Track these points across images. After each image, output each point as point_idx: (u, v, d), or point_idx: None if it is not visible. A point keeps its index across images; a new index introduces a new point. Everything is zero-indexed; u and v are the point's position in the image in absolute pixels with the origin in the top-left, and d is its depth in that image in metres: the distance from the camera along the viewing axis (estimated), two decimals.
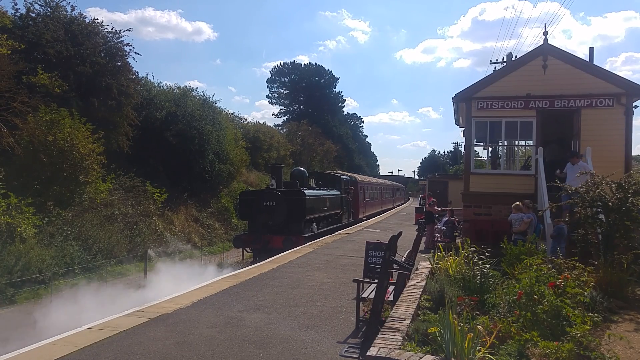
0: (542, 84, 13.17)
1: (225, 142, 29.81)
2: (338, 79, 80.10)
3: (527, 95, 13.27)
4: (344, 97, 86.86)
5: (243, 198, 19.31)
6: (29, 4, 20.43)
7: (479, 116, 13.72)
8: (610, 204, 7.79)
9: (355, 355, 5.40)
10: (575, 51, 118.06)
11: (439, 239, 15.23)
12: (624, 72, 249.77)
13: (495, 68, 27.25)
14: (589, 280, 6.47)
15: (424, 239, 14.74)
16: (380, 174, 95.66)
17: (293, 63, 78.52)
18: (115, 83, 21.03)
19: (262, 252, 16.73)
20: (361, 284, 7.16)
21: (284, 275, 10.53)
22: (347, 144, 75.89)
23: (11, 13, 19.92)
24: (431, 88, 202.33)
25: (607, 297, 6.68)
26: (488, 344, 4.32)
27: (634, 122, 12.95)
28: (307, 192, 18.88)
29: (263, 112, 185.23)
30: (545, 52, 13.30)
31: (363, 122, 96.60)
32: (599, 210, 8.06)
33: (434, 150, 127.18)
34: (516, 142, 15.46)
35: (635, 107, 13.21)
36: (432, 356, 4.02)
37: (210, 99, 30.89)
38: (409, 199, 72.53)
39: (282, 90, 77.42)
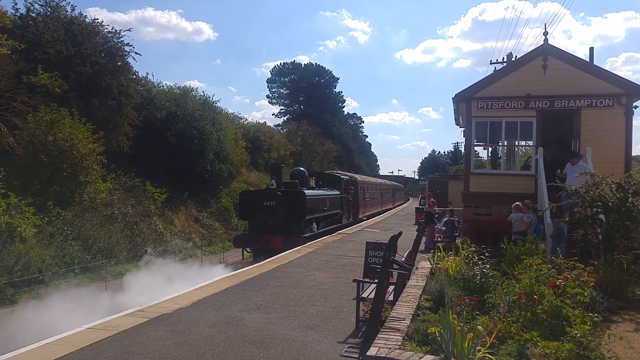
0: (542, 84, 13.17)
1: (226, 142, 29.81)
2: (338, 79, 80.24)
3: (527, 96, 13.27)
4: (344, 97, 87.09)
5: (243, 198, 19.31)
6: (29, 4, 20.47)
7: (479, 116, 13.73)
8: (610, 204, 7.80)
9: (355, 355, 5.40)
10: (576, 51, 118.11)
11: (439, 239, 15.23)
12: (624, 72, 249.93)
13: (495, 68, 27.28)
14: (588, 281, 6.47)
15: (424, 239, 14.74)
16: (380, 174, 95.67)
17: (293, 63, 78.66)
18: (115, 83, 21.03)
19: (262, 252, 16.73)
20: (361, 284, 7.16)
21: (284, 275, 10.53)
22: (347, 144, 75.90)
23: (11, 13, 19.97)
24: (431, 88, 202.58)
25: (607, 297, 6.68)
26: (488, 344, 4.32)
27: (634, 122, 12.98)
28: (307, 192, 18.88)
29: (263, 112, 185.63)
30: (546, 52, 13.30)
31: (363, 122, 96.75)
32: (599, 210, 8.06)
33: (434, 150, 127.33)
34: (516, 142, 15.46)
35: (636, 107, 13.22)
36: (432, 356, 4.02)
37: (211, 99, 30.93)
38: (409, 199, 72.53)
39: (282, 90, 77.44)
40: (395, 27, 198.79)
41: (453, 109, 15.68)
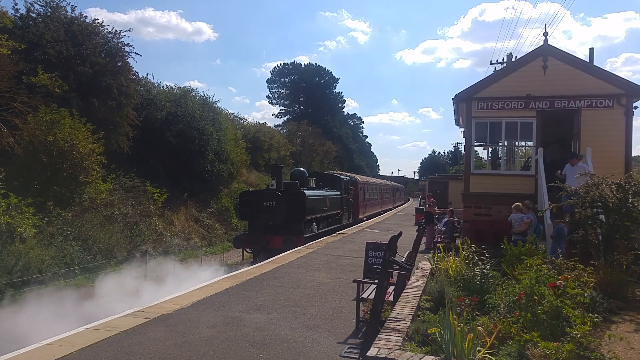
0: (542, 85, 13.18)
1: (226, 142, 29.81)
2: (338, 79, 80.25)
3: (527, 96, 13.27)
4: (344, 98, 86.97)
5: (243, 198, 19.31)
6: (29, 5, 20.45)
7: (479, 117, 13.73)
8: (611, 204, 7.81)
9: (355, 356, 5.40)
10: (576, 52, 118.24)
11: (439, 240, 15.23)
12: (624, 72, 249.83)
13: (495, 68, 27.32)
14: (589, 281, 6.47)
15: (424, 239, 14.74)
16: (380, 174, 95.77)
17: (293, 63, 78.67)
18: (115, 83, 21.03)
19: (262, 252, 16.73)
20: (361, 284, 7.16)
21: (284, 276, 10.53)
22: (347, 144, 75.91)
23: (11, 13, 19.95)
24: (431, 88, 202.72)
25: (607, 297, 6.68)
26: (488, 345, 4.32)
27: (634, 123, 12.98)
28: (307, 192, 18.88)
29: (263, 112, 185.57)
30: (546, 53, 13.30)
31: (363, 122, 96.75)
32: (599, 210, 8.07)
33: (434, 150, 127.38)
34: (516, 143, 15.47)
35: (636, 107, 13.23)
36: (432, 357, 4.02)
37: (211, 99, 30.92)
38: (409, 200, 72.56)
39: (282, 91, 77.47)
40: (395, 28, 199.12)
41: (453, 109, 15.68)
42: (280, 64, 78.52)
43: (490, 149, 15.39)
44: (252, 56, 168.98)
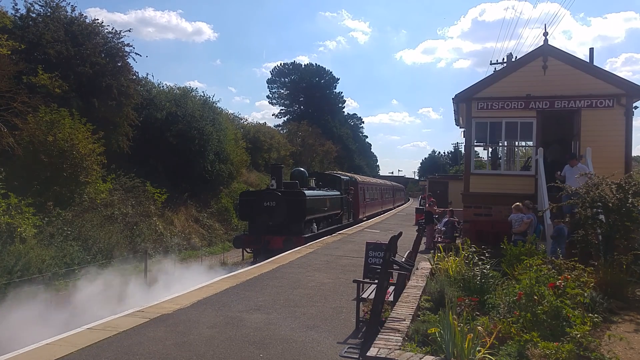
0: (542, 85, 13.18)
1: (226, 142, 29.81)
2: (338, 79, 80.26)
3: (527, 96, 13.27)
4: (344, 98, 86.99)
5: (243, 198, 19.30)
6: (29, 5, 20.44)
7: (479, 117, 13.73)
8: (611, 204, 7.81)
9: (355, 356, 5.40)
10: (576, 52, 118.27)
11: (439, 240, 15.24)
12: (623, 72, 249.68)
13: (495, 69, 27.32)
14: (589, 281, 6.47)
15: (424, 239, 14.74)
16: (381, 174, 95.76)
17: (293, 63, 78.69)
18: (115, 83, 21.02)
19: (262, 252, 16.73)
20: (361, 284, 7.16)
21: (284, 276, 10.53)
22: (347, 144, 75.88)
23: (11, 13, 19.94)
24: (431, 88, 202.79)
25: (607, 297, 6.69)
26: (488, 345, 4.32)
27: (634, 123, 12.98)
28: (307, 192, 18.87)
29: (263, 112, 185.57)
30: (546, 53, 13.30)
31: (363, 122, 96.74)
32: (599, 211, 8.07)
33: (434, 150, 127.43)
34: (516, 143, 15.47)
35: (636, 107, 13.24)
36: (432, 357, 4.02)
37: (211, 99, 30.90)
38: (409, 200, 72.58)
39: (282, 91, 77.48)
40: (395, 28, 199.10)
41: (453, 109, 15.69)
42: (280, 64, 78.66)
43: (490, 149, 15.40)
44: (252, 56, 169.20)
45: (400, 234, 6.02)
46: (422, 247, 13.85)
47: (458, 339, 4.11)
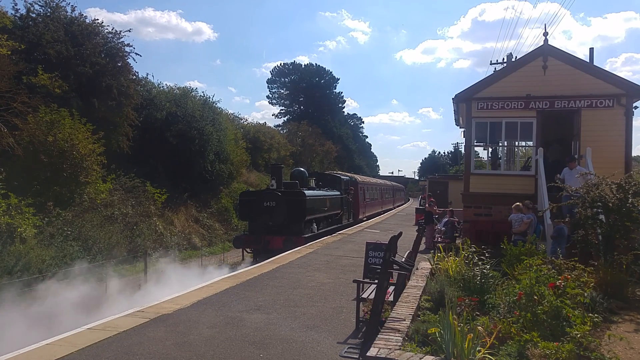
0: (542, 85, 13.17)
1: (226, 142, 29.81)
2: (338, 79, 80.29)
3: (527, 96, 13.27)
4: (344, 98, 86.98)
5: (243, 198, 19.31)
6: (29, 5, 20.45)
7: (479, 117, 13.73)
8: (611, 204, 7.81)
9: (355, 356, 5.40)
10: (576, 52, 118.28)
11: (439, 240, 15.24)
12: (624, 72, 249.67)
13: (495, 69, 27.31)
14: (589, 281, 6.47)
15: (424, 239, 14.74)
16: (380, 174, 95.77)
17: (293, 63, 78.71)
18: (115, 83, 21.03)
19: (262, 252, 16.73)
20: (361, 284, 7.16)
21: (284, 276, 10.53)
22: (347, 144, 75.90)
23: (11, 13, 19.95)
24: (431, 88, 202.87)
25: (607, 297, 6.68)
26: (488, 345, 4.32)
27: (634, 123, 12.97)
28: (307, 192, 18.87)
29: (263, 112, 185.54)
30: (546, 53, 13.30)
31: (363, 122, 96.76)
32: (599, 210, 8.07)
33: (434, 150, 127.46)
34: (516, 143, 15.46)
35: (636, 107, 13.22)
36: (432, 357, 4.02)
37: (211, 99, 30.92)
38: (409, 200, 72.58)
39: (282, 91, 77.49)
40: (395, 28, 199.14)
41: (453, 109, 15.68)
42: (280, 64, 78.67)
43: (490, 149, 15.39)
44: (252, 56, 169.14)
45: (400, 234, 6.02)
46: (422, 247, 13.85)
47: (458, 339, 4.11)
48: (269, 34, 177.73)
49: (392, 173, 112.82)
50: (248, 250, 18.66)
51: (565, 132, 14.16)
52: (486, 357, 4.13)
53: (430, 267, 8.36)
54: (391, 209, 44.23)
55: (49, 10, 21.05)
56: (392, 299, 6.47)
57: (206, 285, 9.38)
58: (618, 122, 12.63)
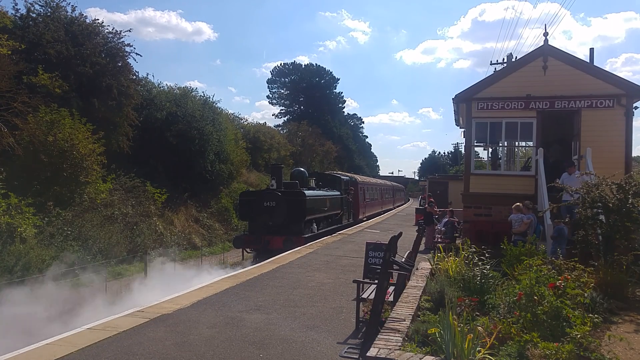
0: (543, 85, 13.17)
1: (226, 142, 29.82)
2: (338, 79, 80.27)
3: (528, 96, 13.27)
4: (344, 98, 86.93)
5: (243, 198, 19.32)
6: (29, 5, 20.48)
7: (479, 117, 13.73)
8: (611, 205, 7.81)
9: (355, 356, 5.40)
10: (576, 52, 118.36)
11: (439, 240, 15.24)
12: (624, 73, 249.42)
13: (495, 69, 27.29)
14: (589, 281, 6.47)
15: (424, 239, 14.74)
16: (380, 174, 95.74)
17: (293, 64, 78.70)
18: (115, 83, 21.04)
19: (262, 252, 16.73)
20: (361, 284, 7.16)
21: (284, 276, 10.53)
22: (347, 144, 75.91)
23: (11, 13, 19.98)
24: (431, 89, 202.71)
25: (607, 298, 6.68)
26: (488, 345, 4.32)
27: (634, 123, 12.97)
28: (307, 192, 18.88)
29: (263, 112, 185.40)
30: (546, 53, 13.30)
31: (363, 122, 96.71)
32: (599, 211, 8.07)
33: (434, 150, 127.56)
34: (516, 143, 15.46)
35: (636, 108, 13.22)
36: (432, 357, 4.02)
37: (211, 99, 30.95)
38: (409, 200, 72.59)
39: (282, 91, 77.48)
40: (395, 28, 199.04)
41: (453, 109, 15.68)
42: (281, 64, 78.66)
43: (490, 150, 15.39)
44: (252, 56, 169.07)
45: (400, 234, 6.02)
46: (422, 247, 13.85)
47: (458, 339, 4.11)
48: (269, 34, 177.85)
49: (392, 173, 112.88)
50: (248, 250, 18.67)
51: (566, 132, 14.15)
52: (486, 357, 4.13)
53: (430, 267, 8.36)
54: (391, 209, 44.24)
55: (49, 10, 21.07)
56: (392, 299, 6.46)
57: (206, 285, 9.38)
58: (618, 122, 12.63)
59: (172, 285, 11.67)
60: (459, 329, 4.16)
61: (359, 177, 32.75)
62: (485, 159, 16.05)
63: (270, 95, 78.05)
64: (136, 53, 22.92)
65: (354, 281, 7.18)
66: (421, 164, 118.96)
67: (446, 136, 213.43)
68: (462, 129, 16.32)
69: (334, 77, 79.59)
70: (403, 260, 6.23)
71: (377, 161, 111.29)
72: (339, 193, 23.97)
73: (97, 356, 5.47)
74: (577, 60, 13.59)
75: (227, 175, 30.29)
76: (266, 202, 17.81)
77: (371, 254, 8.44)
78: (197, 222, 25.97)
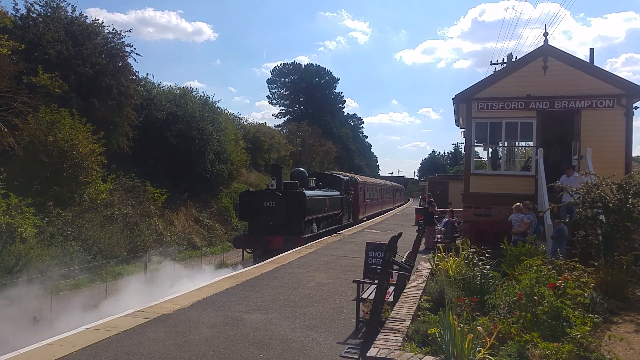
0: (543, 85, 13.17)
1: (226, 142, 29.82)
2: (338, 79, 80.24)
3: (528, 96, 13.27)
4: (344, 98, 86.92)
5: (243, 198, 19.32)
6: (29, 5, 20.49)
7: (479, 117, 13.73)
8: (611, 205, 7.81)
9: (355, 356, 5.40)
10: (576, 52, 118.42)
11: (439, 240, 15.23)
12: (624, 73, 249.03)
13: (495, 69, 27.27)
14: (589, 282, 6.47)
15: (424, 239, 14.74)
16: (380, 174, 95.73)
17: (293, 64, 78.69)
18: (115, 83, 21.04)
19: (262, 252, 16.73)
20: (361, 284, 7.16)
21: (284, 276, 10.53)
22: (347, 144, 75.90)
23: (12, 13, 19.98)
24: (431, 89, 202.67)
25: (607, 298, 6.69)
26: (488, 345, 4.32)
27: (634, 123, 12.97)
28: (307, 192, 18.88)
29: (263, 112, 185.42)
30: (546, 53, 13.30)
31: (363, 122, 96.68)
32: (600, 211, 8.07)
33: (434, 151, 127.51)
34: (516, 143, 15.46)
35: (636, 108, 13.21)
36: (432, 357, 4.02)
37: (211, 99, 30.95)
38: (409, 200, 72.59)
39: (282, 91, 77.48)
40: (395, 28, 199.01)
41: (453, 109, 15.68)
42: (281, 64, 78.66)
43: (490, 150, 15.39)
44: (252, 56, 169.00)
45: (400, 234, 6.02)
46: (422, 247, 13.85)
47: (458, 340, 4.11)
48: (269, 34, 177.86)
49: (392, 173, 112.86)
50: (248, 250, 18.66)
51: (566, 132, 14.15)
52: (486, 357, 4.13)
53: (430, 267, 8.36)
54: (391, 209, 44.23)
55: (49, 10, 21.08)
56: (392, 299, 6.46)
57: (206, 286, 9.38)
58: (618, 122, 12.63)
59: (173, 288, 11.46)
60: (459, 329, 4.16)
61: (359, 177, 32.76)
62: (485, 159, 16.05)
63: (270, 95, 78.15)
64: (136, 53, 22.97)
65: (354, 281, 7.18)
66: (421, 164, 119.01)
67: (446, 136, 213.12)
68: (462, 129, 16.33)
69: (334, 77, 79.68)
70: (403, 260, 6.23)
71: (377, 161, 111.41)
72: (339, 193, 23.97)
73: (97, 356, 5.47)
74: (577, 60, 13.59)
75: (227, 175, 30.29)
76: (266, 202, 17.81)
77: (371, 254, 8.44)
78: (197, 222, 25.97)
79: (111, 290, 13.73)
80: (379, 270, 5.99)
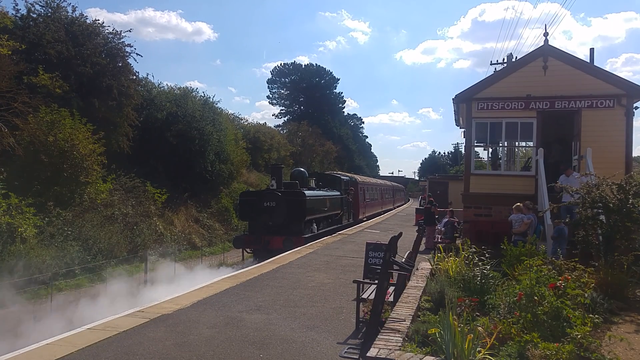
0: (543, 85, 13.18)
1: (226, 142, 29.81)
2: (338, 79, 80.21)
3: (528, 96, 13.27)
4: (344, 98, 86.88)
5: (243, 198, 19.32)
6: (29, 5, 20.45)
7: (480, 117, 13.73)
8: (611, 205, 7.81)
9: (355, 356, 5.40)
10: (576, 52, 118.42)
11: (439, 240, 15.23)
12: (624, 73, 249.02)
13: (495, 69, 27.27)
14: (589, 282, 6.47)
15: (424, 240, 14.74)
16: (381, 174, 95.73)
17: (293, 64, 78.67)
18: (115, 83, 21.03)
19: (262, 252, 16.73)
20: (361, 284, 7.16)
21: (284, 276, 10.53)
22: (348, 144, 75.87)
23: (12, 14, 19.97)
24: (431, 89, 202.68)
25: (608, 298, 6.68)
26: (488, 345, 4.32)
27: (634, 123, 12.97)
28: (307, 192, 18.88)
29: (263, 112, 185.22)
30: (546, 53, 13.30)
31: (363, 122, 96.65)
32: (600, 211, 8.07)
33: (434, 151, 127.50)
34: (516, 143, 15.46)
35: (636, 108, 13.21)
36: (432, 357, 4.02)
37: (211, 99, 30.92)
38: (409, 200, 72.59)
39: (282, 91, 77.47)
40: (395, 28, 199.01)
41: (453, 109, 15.69)
42: (281, 64, 78.64)
43: (490, 150, 15.39)
44: (252, 56, 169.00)
45: (400, 234, 6.02)
46: (422, 247, 13.85)
47: (458, 340, 4.10)
48: (269, 34, 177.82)
49: (392, 173, 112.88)
50: (248, 250, 18.66)
51: (566, 132, 14.15)
52: (486, 357, 4.13)
53: (431, 267, 8.36)
54: (391, 209, 44.23)
55: (49, 10, 21.06)
56: (392, 300, 6.46)
57: (206, 286, 9.38)
58: (618, 122, 12.63)
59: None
60: (459, 329, 4.16)
61: (359, 177, 32.76)
62: (486, 159, 16.05)
63: (270, 96, 78.14)
64: (136, 53, 22.92)
65: (354, 281, 7.18)
66: (421, 164, 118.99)
67: (445, 135, 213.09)
68: (462, 129, 16.32)
69: (334, 77, 79.65)
70: (403, 260, 6.23)
71: (377, 161, 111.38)
72: (339, 193, 23.97)
73: (97, 356, 5.47)
74: (578, 60, 13.59)
75: (227, 175, 30.29)
76: (266, 202, 17.81)
77: (371, 254, 8.44)
78: (197, 222, 25.95)
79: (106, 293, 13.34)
80: (379, 271, 5.99)
